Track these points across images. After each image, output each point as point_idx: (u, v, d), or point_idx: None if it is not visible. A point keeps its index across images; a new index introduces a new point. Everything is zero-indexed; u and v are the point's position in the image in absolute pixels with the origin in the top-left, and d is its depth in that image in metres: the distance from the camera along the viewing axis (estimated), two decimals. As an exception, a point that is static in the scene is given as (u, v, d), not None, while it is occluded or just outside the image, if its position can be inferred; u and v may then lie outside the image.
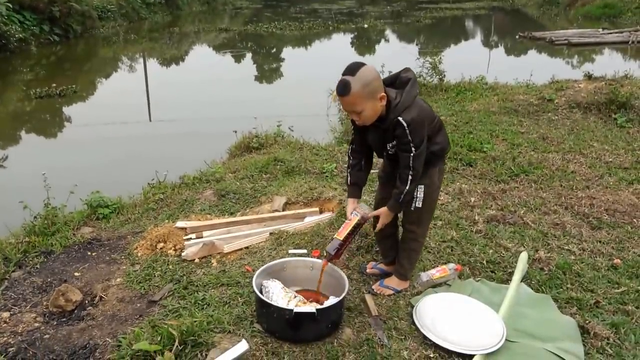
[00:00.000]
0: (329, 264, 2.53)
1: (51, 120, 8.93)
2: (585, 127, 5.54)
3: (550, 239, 3.21)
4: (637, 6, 19.01)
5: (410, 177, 2.32)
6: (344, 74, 2.24)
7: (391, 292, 2.67)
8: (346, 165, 2.63)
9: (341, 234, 2.49)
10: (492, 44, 17.32)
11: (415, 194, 2.46)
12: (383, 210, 2.49)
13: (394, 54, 11.53)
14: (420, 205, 2.49)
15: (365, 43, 17.91)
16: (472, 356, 2.20)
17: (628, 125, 5.58)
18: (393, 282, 2.70)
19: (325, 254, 2.55)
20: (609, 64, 10.35)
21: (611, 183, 4.07)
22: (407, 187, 2.34)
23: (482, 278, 2.80)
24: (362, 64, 2.24)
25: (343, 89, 2.22)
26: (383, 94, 2.25)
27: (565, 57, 13.52)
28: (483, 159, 4.52)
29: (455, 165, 4.41)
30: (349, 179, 2.57)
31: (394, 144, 2.35)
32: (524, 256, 2.86)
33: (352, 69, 2.22)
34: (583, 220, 3.47)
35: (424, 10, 24.28)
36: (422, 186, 2.46)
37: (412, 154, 2.28)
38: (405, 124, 2.23)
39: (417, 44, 17.03)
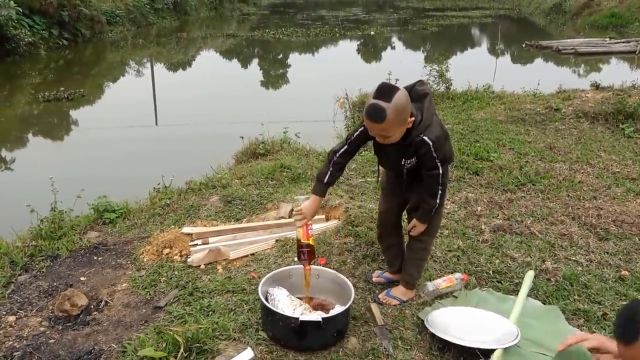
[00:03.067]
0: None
1: (59, 123, 8.99)
2: (592, 137, 5.52)
3: (557, 250, 3.19)
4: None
5: (440, 192, 2.37)
6: (377, 98, 2.10)
7: (397, 302, 2.66)
8: (325, 162, 2.49)
9: (307, 236, 2.51)
10: (499, 52, 17.31)
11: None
12: (416, 223, 2.50)
13: (401, 62, 11.53)
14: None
15: (371, 50, 17.94)
16: (489, 355, 2.17)
17: (636, 135, 5.56)
18: (399, 291, 2.69)
19: (301, 260, 2.55)
20: (616, 73, 10.33)
21: (619, 194, 4.05)
22: (438, 201, 2.40)
23: (489, 288, 2.78)
24: (396, 88, 2.14)
25: (378, 117, 2.10)
26: (412, 119, 2.20)
27: (572, 66, 13.50)
28: (490, 168, 4.51)
29: (462, 174, 4.40)
30: (327, 176, 2.44)
31: (412, 160, 2.33)
32: (530, 274, 2.82)
33: (387, 93, 2.10)
34: (590, 231, 3.45)
35: (430, 18, 24.31)
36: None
37: (439, 171, 2.30)
38: (430, 143, 2.22)
39: (423, 52, 17.05)
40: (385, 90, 2.12)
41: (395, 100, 2.09)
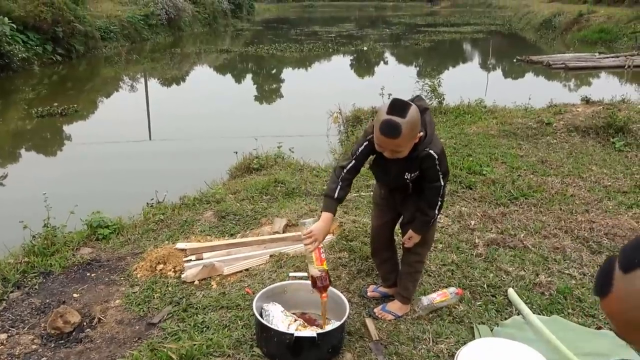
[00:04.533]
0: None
1: (52, 139, 8.97)
2: (583, 150, 5.58)
3: (550, 263, 3.21)
4: (632, 31, 19.26)
5: (439, 204, 2.41)
6: (391, 114, 2.09)
7: (392, 317, 2.65)
8: (333, 178, 2.41)
9: (321, 261, 2.35)
10: (490, 67, 17.50)
11: None
12: (412, 234, 2.50)
13: (393, 76, 11.63)
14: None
15: (364, 65, 18.09)
16: None
17: (626, 149, 5.61)
18: (395, 306, 2.69)
19: (317, 288, 2.36)
20: (606, 88, 10.45)
21: (610, 207, 4.08)
22: (436, 213, 2.44)
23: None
24: (409, 104, 2.14)
25: (394, 133, 2.09)
26: (421, 133, 2.22)
27: (563, 81, 13.66)
28: (483, 182, 4.54)
29: (455, 188, 4.42)
30: (337, 192, 2.34)
31: (415, 174, 2.34)
32: (511, 292, 2.82)
33: (401, 109, 2.10)
34: (583, 244, 3.47)
35: (422, 34, 24.57)
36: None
37: (441, 183, 2.34)
38: (436, 156, 2.26)
39: (416, 67, 17.21)
40: (399, 106, 2.11)
41: (409, 117, 2.10)
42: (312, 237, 2.29)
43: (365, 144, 2.36)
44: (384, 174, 2.47)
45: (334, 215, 2.39)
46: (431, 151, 2.25)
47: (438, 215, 2.46)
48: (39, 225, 3.69)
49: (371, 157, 2.41)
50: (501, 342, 2.34)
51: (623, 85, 12.40)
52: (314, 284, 2.34)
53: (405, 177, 2.36)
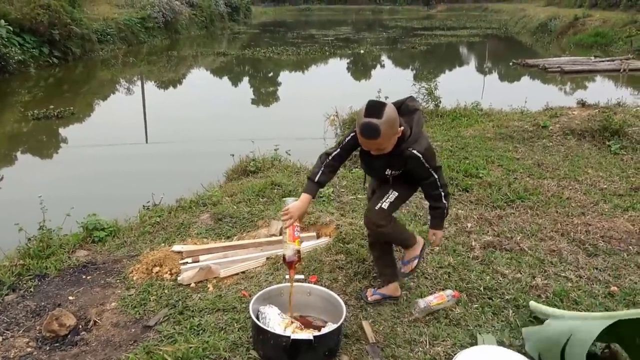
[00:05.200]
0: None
1: (48, 141, 8.94)
2: (579, 153, 5.60)
3: (547, 266, 3.21)
4: (627, 35, 19.37)
5: (442, 194, 2.50)
6: (368, 116, 2.21)
7: (416, 261, 2.70)
8: (317, 163, 2.53)
9: (294, 238, 2.46)
10: (487, 71, 17.57)
11: (388, 195, 2.55)
12: (436, 232, 2.63)
13: (390, 79, 11.66)
14: (386, 207, 2.55)
15: (361, 68, 18.12)
16: None
17: (622, 152, 5.63)
18: (410, 254, 2.72)
19: (286, 263, 2.50)
20: (602, 91, 10.52)
21: (606, 210, 4.09)
22: (445, 203, 2.53)
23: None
24: (383, 104, 2.25)
25: (374, 134, 2.21)
26: (402, 128, 2.31)
27: (558, 84, 13.72)
28: (479, 185, 4.55)
29: (452, 191, 4.42)
30: (318, 175, 2.47)
31: (397, 172, 2.44)
32: (533, 304, 2.73)
33: (377, 111, 2.21)
34: (579, 247, 3.48)
35: (419, 37, 24.66)
36: (397, 193, 2.57)
37: (435, 178, 2.43)
38: (420, 155, 2.34)
39: (412, 70, 17.26)
40: (375, 108, 2.23)
41: (386, 116, 2.21)
42: (288, 214, 2.43)
43: (352, 134, 2.46)
44: (368, 167, 2.60)
45: (313, 197, 2.52)
46: (414, 151, 2.33)
47: (447, 205, 2.55)
48: (34, 228, 3.67)
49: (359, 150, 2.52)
50: (499, 350, 2.32)
51: (618, 89, 12.47)
52: (283, 259, 2.50)
53: (387, 173, 2.47)
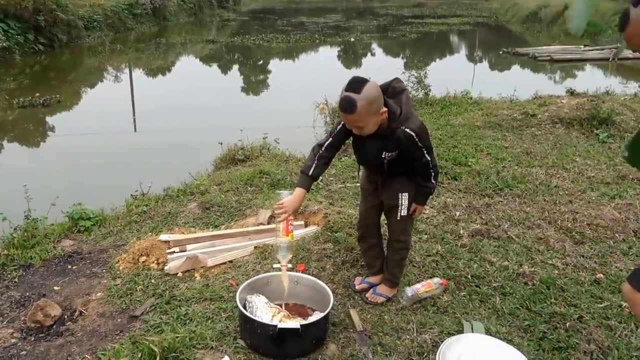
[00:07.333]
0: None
1: (34, 129, 8.82)
2: (567, 142, 5.62)
3: (534, 254, 3.23)
4: (617, 24, 19.39)
5: (433, 174, 2.48)
6: (347, 90, 2.20)
7: (383, 299, 2.70)
8: (310, 156, 2.50)
9: (287, 232, 2.48)
10: (477, 59, 17.54)
11: (400, 202, 2.54)
12: (419, 206, 2.59)
13: (380, 68, 11.60)
14: (405, 213, 2.56)
15: (351, 56, 18.03)
16: None
17: (609, 140, 5.67)
18: (383, 289, 2.74)
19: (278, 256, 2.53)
20: (591, 80, 10.53)
21: (593, 198, 4.12)
22: (434, 182, 2.52)
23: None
24: (365, 80, 2.22)
25: (349, 108, 2.19)
26: (385, 109, 2.28)
27: (548, 73, 13.75)
28: (468, 173, 4.55)
29: (441, 179, 4.42)
30: (312, 169, 2.44)
31: (393, 153, 2.39)
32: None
33: (356, 85, 2.19)
34: (566, 234, 3.50)
35: (409, 25, 24.54)
36: (407, 194, 2.54)
37: (427, 158, 2.40)
38: (413, 134, 2.31)
39: (403, 58, 17.20)
40: (355, 84, 2.20)
41: (364, 92, 2.17)
42: (283, 209, 2.41)
43: (342, 122, 2.43)
44: (362, 152, 2.53)
45: (307, 191, 2.51)
46: (407, 129, 2.29)
47: (436, 184, 2.54)
48: (19, 218, 3.63)
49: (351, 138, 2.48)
50: (487, 338, 2.35)
51: (607, 78, 12.51)
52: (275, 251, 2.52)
53: (383, 156, 2.41)
